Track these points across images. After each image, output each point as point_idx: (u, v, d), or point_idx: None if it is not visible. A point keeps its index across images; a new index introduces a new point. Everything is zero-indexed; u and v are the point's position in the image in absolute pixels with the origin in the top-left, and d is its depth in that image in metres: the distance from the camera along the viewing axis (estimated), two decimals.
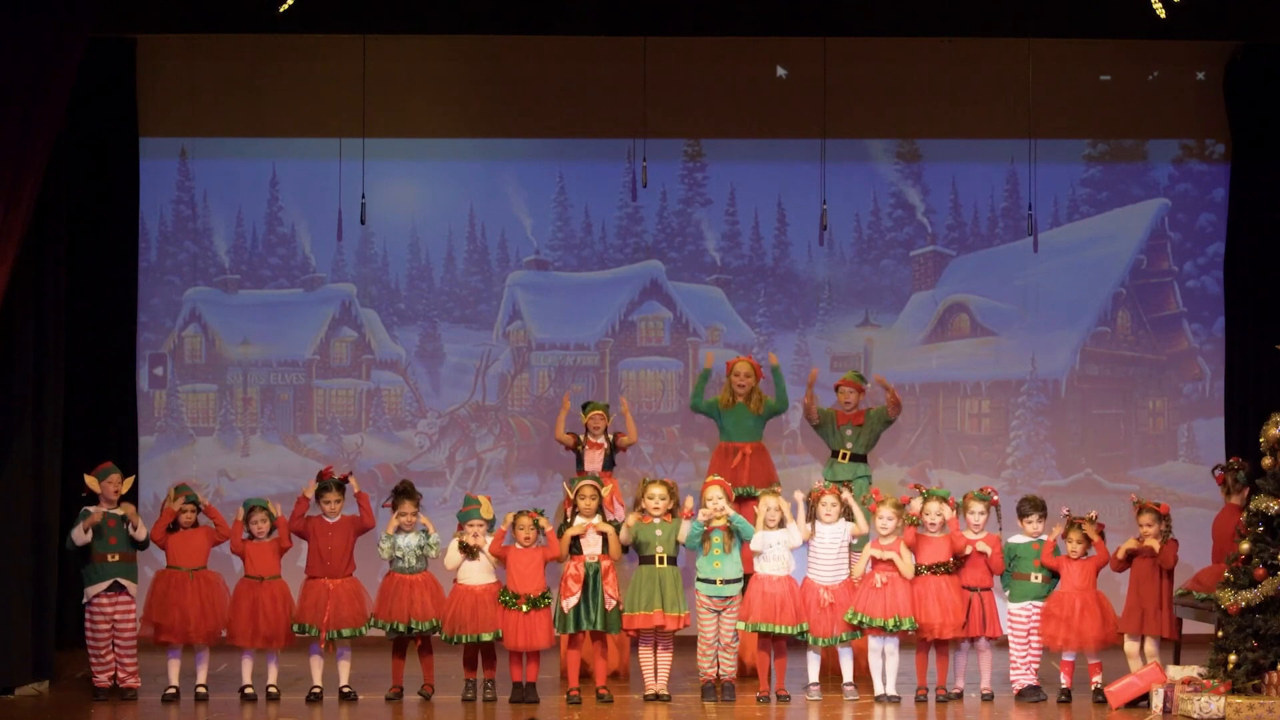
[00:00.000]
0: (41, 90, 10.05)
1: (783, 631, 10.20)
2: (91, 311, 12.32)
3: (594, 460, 11.37)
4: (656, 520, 10.27)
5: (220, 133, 12.86)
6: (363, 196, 11.58)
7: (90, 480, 10.44)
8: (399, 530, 10.44)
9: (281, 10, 10.17)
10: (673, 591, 10.21)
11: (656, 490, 10.32)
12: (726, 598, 10.24)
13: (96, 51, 11.30)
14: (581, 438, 11.44)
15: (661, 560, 10.24)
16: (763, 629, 10.19)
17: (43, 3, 10.08)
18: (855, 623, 10.18)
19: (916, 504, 10.40)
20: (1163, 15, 10.03)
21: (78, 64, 10.24)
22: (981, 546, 10.33)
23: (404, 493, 10.51)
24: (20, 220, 10.00)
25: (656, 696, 10.24)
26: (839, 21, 11.34)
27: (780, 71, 12.90)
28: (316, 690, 10.34)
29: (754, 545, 10.27)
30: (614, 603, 10.20)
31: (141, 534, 10.46)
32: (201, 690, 10.35)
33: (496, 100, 12.88)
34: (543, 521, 10.27)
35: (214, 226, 12.96)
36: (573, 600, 10.16)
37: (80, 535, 10.30)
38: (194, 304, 12.95)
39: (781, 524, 10.29)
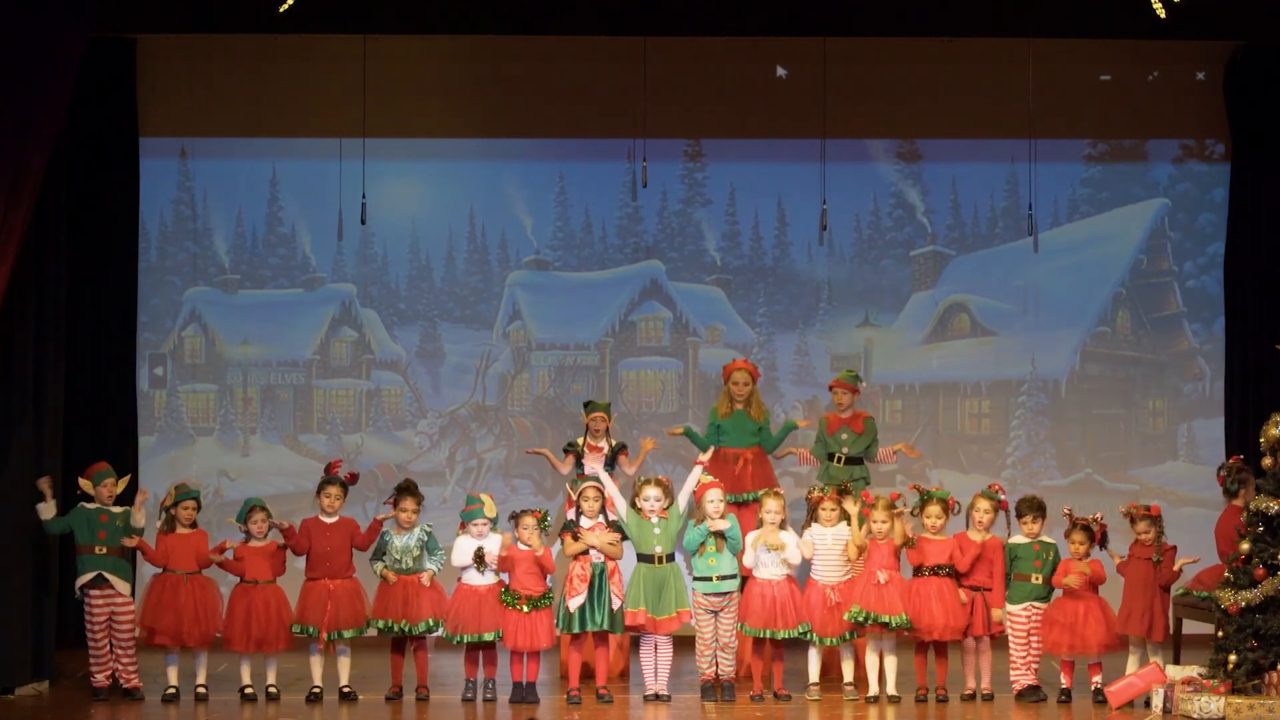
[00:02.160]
0: (41, 90, 10.04)
1: (782, 636, 10.21)
2: (91, 311, 12.32)
3: (594, 464, 11.32)
4: (654, 520, 10.27)
5: (220, 133, 12.86)
6: (363, 196, 11.59)
7: (85, 484, 10.41)
8: (395, 532, 10.42)
9: (281, 10, 10.17)
10: (672, 591, 10.20)
11: (651, 491, 10.29)
12: (724, 594, 10.23)
13: (96, 51, 11.29)
14: (581, 441, 11.36)
15: (660, 560, 10.23)
16: (762, 634, 10.19)
17: (43, 3, 10.07)
18: (860, 619, 10.14)
19: (911, 499, 10.41)
20: (1163, 15, 10.03)
21: (78, 64, 10.24)
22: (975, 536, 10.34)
23: (406, 490, 10.49)
24: (20, 220, 9.99)
25: (656, 696, 10.23)
26: (839, 21, 11.34)
27: (780, 71, 12.90)
28: (316, 690, 10.33)
29: (747, 559, 10.25)
30: (619, 603, 10.20)
31: (140, 520, 10.44)
32: (201, 690, 10.34)
33: (496, 100, 12.87)
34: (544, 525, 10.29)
35: (214, 226, 12.95)
36: (579, 600, 10.16)
37: (46, 509, 10.30)
38: (194, 304, 12.95)
39: (783, 525, 10.29)
